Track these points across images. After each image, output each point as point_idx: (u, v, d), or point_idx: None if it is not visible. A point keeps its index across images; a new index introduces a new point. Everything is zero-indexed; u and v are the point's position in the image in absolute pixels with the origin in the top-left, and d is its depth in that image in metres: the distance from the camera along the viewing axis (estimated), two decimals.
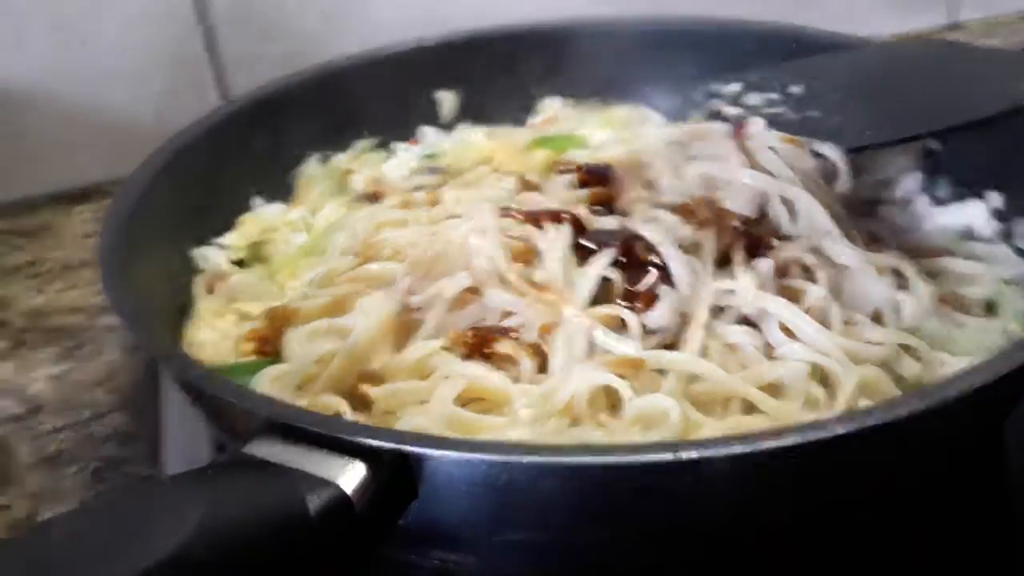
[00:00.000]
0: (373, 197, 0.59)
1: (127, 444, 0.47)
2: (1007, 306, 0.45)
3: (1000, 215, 0.52)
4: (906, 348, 0.41)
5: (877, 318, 0.43)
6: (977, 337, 0.43)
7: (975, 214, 0.52)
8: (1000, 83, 0.51)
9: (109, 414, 0.50)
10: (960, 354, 0.42)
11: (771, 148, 0.47)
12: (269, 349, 0.45)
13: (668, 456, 0.28)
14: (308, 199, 0.60)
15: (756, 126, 0.48)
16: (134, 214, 0.48)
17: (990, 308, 0.46)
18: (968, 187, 0.54)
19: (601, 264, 0.40)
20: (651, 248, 0.40)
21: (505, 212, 0.44)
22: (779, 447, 0.28)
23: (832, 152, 0.48)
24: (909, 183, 0.56)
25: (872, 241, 0.49)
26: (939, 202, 0.55)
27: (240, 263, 0.55)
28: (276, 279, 0.53)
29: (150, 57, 0.71)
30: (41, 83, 0.69)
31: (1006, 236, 0.51)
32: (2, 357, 0.55)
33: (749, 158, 0.47)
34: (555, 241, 0.41)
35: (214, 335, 0.46)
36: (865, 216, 0.54)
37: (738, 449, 0.28)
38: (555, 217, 0.42)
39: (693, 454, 0.28)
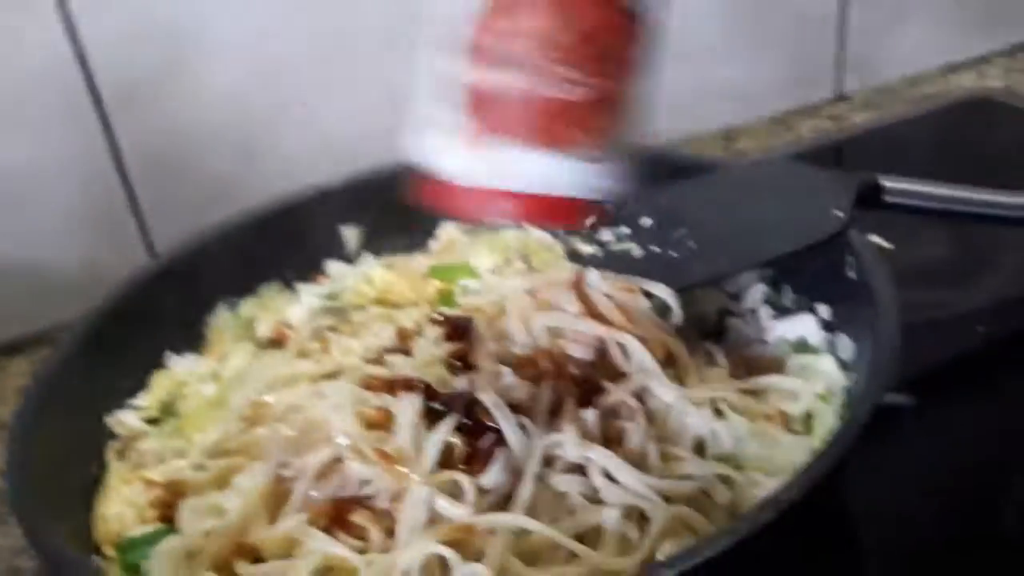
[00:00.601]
0: (277, 342, 0.65)
1: None
2: (818, 422, 0.51)
3: (828, 327, 0.57)
4: (721, 476, 0.46)
5: (700, 446, 0.49)
6: (791, 455, 0.49)
7: (807, 326, 0.58)
8: (821, 210, 0.57)
9: None
10: (775, 473, 0.48)
11: (607, 295, 0.53)
12: (170, 515, 0.51)
13: None
14: (218, 348, 0.66)
15: (592, 276, 0.54)
16: (49, 391, 0.54)
17: (809, 422, 0.52)
18: (805, 297, 0.60)
19: (445, 431, 0.46)
20: (488, 412, 0.46)
21: (366, 382, 0.49)
22: None
23: (662, 292, 0.54)
24: (754, 294, 0.61)
25: (709, 363, 0.55)
26: (782, 311, 0.61)
27: (155, 420, 0.60)
28: (185, 434, 0.58)
29: (73, 212, 0.77)
30: None
31: (832, 349, 0.56)
32: None
33: (588, 306, 0.53)
34: (406, 410, 0.46)
35: (121, 507, 0.52)
36: (716, 329, 0.60)
37: None
38: (407, 385, 0.48)
39: None
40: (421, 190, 0.49)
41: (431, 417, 0.47)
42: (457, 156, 0.46)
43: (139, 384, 0.62)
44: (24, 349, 0.76)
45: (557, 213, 0.46)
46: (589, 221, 0.47)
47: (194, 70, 0.76)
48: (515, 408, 0.47)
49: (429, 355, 0.53)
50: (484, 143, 0.45)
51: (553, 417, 0.48)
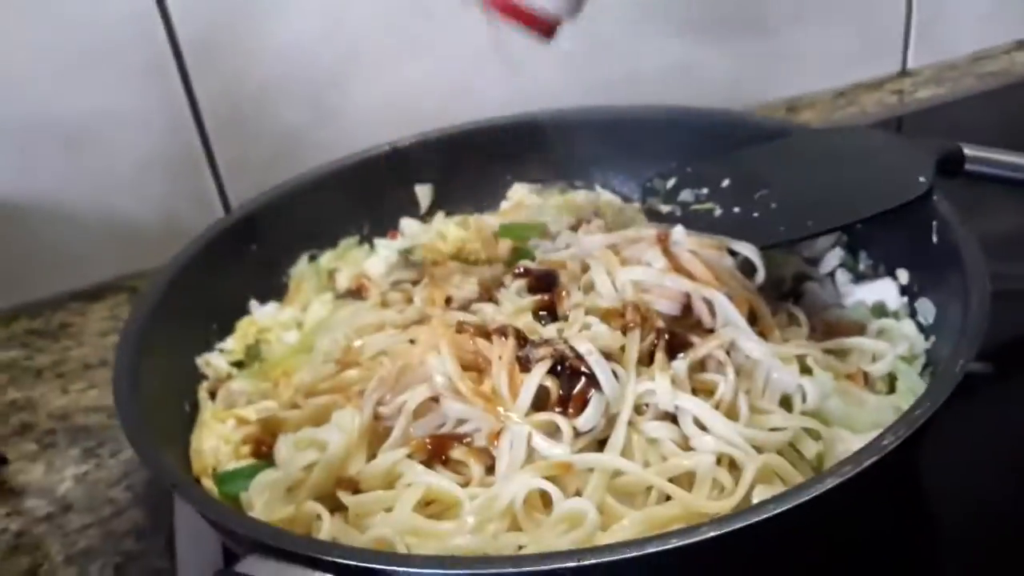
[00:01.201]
0: (357, 293, 0.67)
1: (144, 539, 0.54)
2: (901, 383, 0.51)
3: (908, 292, 0.58)
4: (808, 430, 0.48)
5: (786, 402, 0.50)
6: (875, 414, 0.50)
7: (886, 291, 0.58)
8: (904, 175, 0.57)
9: (128, 511, 0.57)
10: (861, 431, 0.49)
11: (691, 251, 0.54)
12: (264, 450, 0.53)
13: (571, 563, 0.34)
14: (298, 298, 0.67)
15: (678, 233, 0.55)
16: (142, 337, 0.55)
17: (891, 383, 0.53)
18: (883, 263, 0.61)
19: (539, 374, 0.47)
20: (581, 357, 0.47)
21: (459, 327, 0.51)
22: (664, 550, 0.35)
23: (747, 250, 0.55)
24: (831, 260, 0.62)
25: (790, 324, 0.56)
26: (859, 277, 0.61)
27: (240, 364, 0.62)
28: (271, 377, 0.60)
29: (151, 162, 0.78)
30: (49, 192, 0.76)
31: (911, 313, 0.57)
32: (32, 459, 0.62)
33: (673, 262, 0.54)
34: (501, 354, 0.48)
35: (216, 441, 0.54)
36: (792, 293, 0.61)
37: (627, 554, 0.35)
38: (501, 331, 0.49)
39: (591, 560, 0.34)
40: None
41: (522, 364, 0.49)
42: None
43: (225, 329, 0.64)
44: (104, 296, 0.78)
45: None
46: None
47: (269, 25, 0.77)
48: (606, 356, 0.48)
49: (516, 306, 0.54)
50: None
51: (643, 367, 0.49)
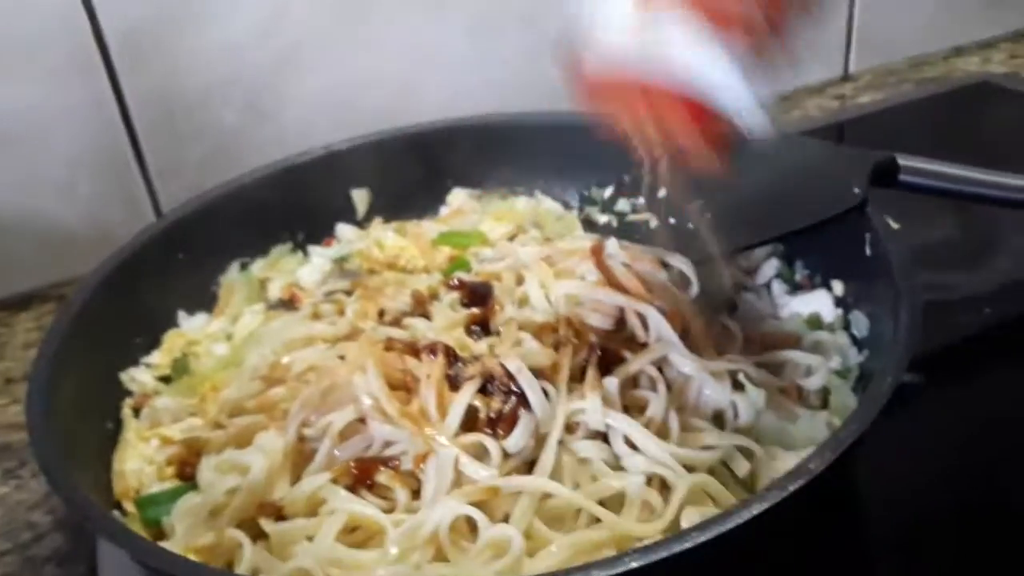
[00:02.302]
0: (289, 303, 0.65)
1: (66, 566, 0.52)
2: (835, 398, 0.51)
3: (842, 304, 0.58)
4: (741, 448, 0.47)
5: (719, 418, 0.49)
6: (808, 430, 0.49)
7: (821, 303, 0.58)
8: (838, 185, 0.57)
9: (49, 535, 0.55)
10: (794, 447, 0.49)
11: (625, 264, 0.53)
12: (189, 471, 0.51)
13: None
14: (229, 308, 0.65)
15: (611, 246, 0.54)
16: (62, 351, 0.53)
17: (826, 397, 0.53)
18: (819, 274, 0.61)
19: (468, 393, 0.46)
20: (512, 376, 0.46)
21: (388, 344, 0.50)
22: None
23: (681, 263, 0.54)
24: (767, 270, 0.62)
25: (724, 337, 0.56)
26: (795, 287, 0.61)
27: (167, 379, 0.60)
28: (198, 392, 0.58)
29: (79, 164, 0.76)
30: None
31: (846, 325, 0.57)
32: None
33: (607, 275, 0.53)
34: (430, 373, 0.47)
35: (139, 462, 0.52)
36: (727, 305, 0.60)
37: None
38: (430, 349, 0.48)
39: None
40: (572, 75, 0.44)
41: (452, 381, 0.48)
42: (621, 20, 0.40)
43: (152, 342, 0.62)
44: (30, 305, 0.76)
45: (692, 124, 0.40)
46: (719, 153, 0.42)
47: (203, 22, 0.75)
48: (537, 374, 0.47)
49: (448, 319, 0.53)
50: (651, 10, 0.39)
51: (575, 384, 0.48)
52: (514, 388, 0.46)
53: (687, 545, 0.36)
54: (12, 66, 0.71)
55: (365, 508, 0.43)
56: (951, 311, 0.65)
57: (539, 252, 0.56)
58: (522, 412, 0.45)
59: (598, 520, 0.44)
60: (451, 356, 0.48)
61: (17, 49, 0.71)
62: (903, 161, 0.60)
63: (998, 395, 0.60)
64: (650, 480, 0.45)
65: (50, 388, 0.51)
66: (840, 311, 0.58)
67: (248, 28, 0.76)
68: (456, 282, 0.57)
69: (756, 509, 0.37)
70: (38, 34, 0.71)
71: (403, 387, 0.48)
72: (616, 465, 0.46)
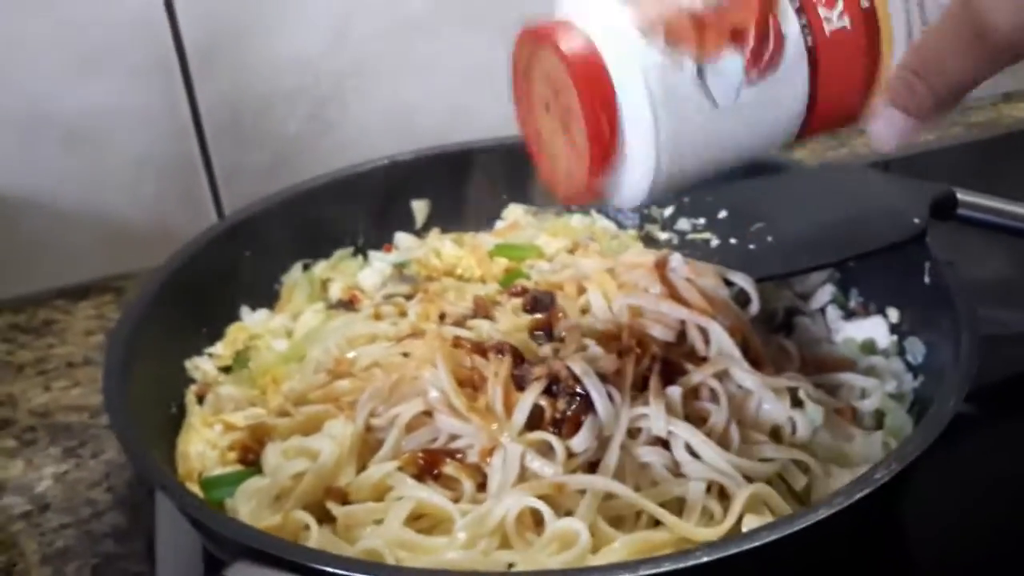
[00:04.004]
0: (349, 304, 0.67)
1: (123, 542, 0.54)
2: (890, 420, 0.52)
3: (897, 330, 0.59)
4: (797, 462, 0.48)
5: (776, 433, 0.50)
6: (863, 450, 0.50)
7: (876, 329, 0.59)
8: (899, 215, 0.58)
9: (108, 512, 0.56)
10: (848, 465, 0.49)
11: (688, 280, 0.54)
12: (251, 458, 0.52)
13: None
14: (290, 306, 0.67)
15: (675, 260, 0.55)
16: (133, 337, 0.55)
17: (878, 420, 0.53)
18: (874, 301, 0.61)
19: (534, 393, 0.47)
20: (577, 378, 0.47)
21: (456, 342, 0.51)
22: (657, 573, 0.35)
23: (743, 281, 0.55)
24: (822, 295, 0.63)
25: (781, 356, 0.56)
26: (849, 314, 0.62)
27: (228, 369, 0.62)
28: (259, 384, 0.60)
29: (147, 163, 0.78)
30: (42, 186, 0.75)
31: (900, 351, 0.57)
32: (11, 455, 0.62)
33: (670, 289, 0.54)
34: (497, 371, 0.48)
35: (202, 446, 0.53)
36: (783, 327, 0.61)
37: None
38: (498, 349, 0.49)
39: None
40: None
41: (518, 382, 0.49)
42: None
43: (215, 334, 0.63)
44: (89, 294, 0.78)
45: (586, 90, 0.36)
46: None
47: (274, 35, 0.78)
48: (602, 378, 0.48)
49: (512, 323, 0.55)
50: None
51: (638, 391, 0.49)
52: (579, 390, 0.47)
53: (755, 544, 0.36)
54: (92, 66, 0.73)
55: (432, 496, 0.44)
56: (1002, 347, 0.65)
57: (602, 264, 0.57)
58: (588, 414, 0.46)
59: (658, 523, 0.44)
60: (517, 357, 0.49)
61: (97, 50, 0.73)
62: (961, 195, 0.61)
63: None
64: (709, 488, 0.46)
65: (123, 369, 0.53)
66: (895, 338, 0.58)
67: (315, 42, 0.79)
68: (518, 288, 0.58)
69: (823, 513, 0.38)
70: (119, 36, 0.73)
71: (470, 384, 0.49)
72: (677, 472, 0.47)
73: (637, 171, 0.37)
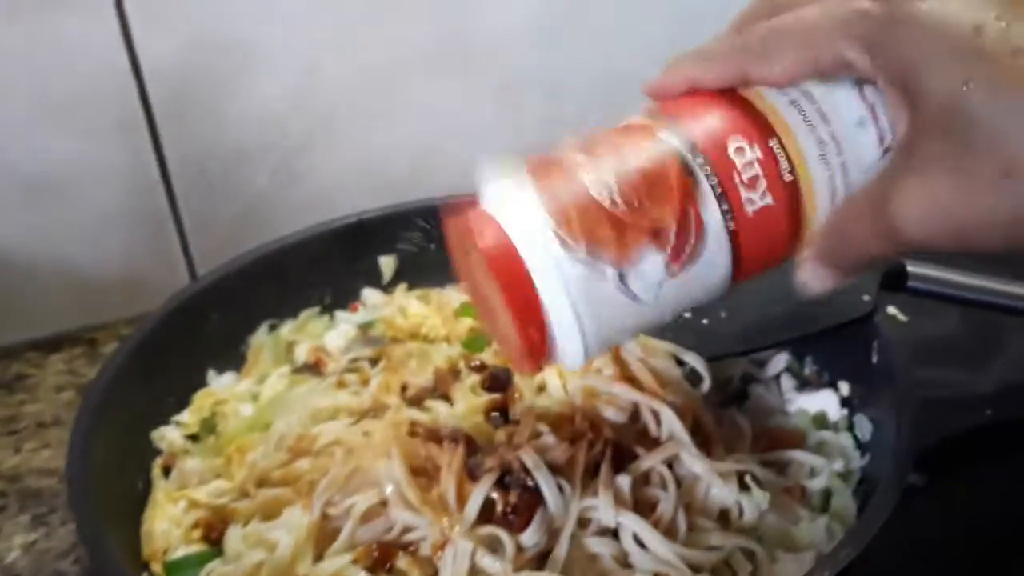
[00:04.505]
0: (314, 367, 0.68)
1: None
2: (836, 501, 0.54)
3: (848, 404, 0.60)
4: (743, 549, 0.49)
5: (724, 516, 0.52)
6: (809, 534, 0.52)
7: (828, 402, 0.61)
8: (849, 292, 0.60)
9: None
10: (794, 550, 0.51)
11: (641, 359, 0.55)
12: (215, 536, 0.53)
13: None
14: (256, 368, 0.68)
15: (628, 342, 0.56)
16: (99, 412, 0.56)
17: (826, 499, 0.55)
18: (827, 371, 0.63)
19: (486, 486, 0.48)
20: (529, 471, 0.48)
21: (411, 431, 0.52)
22: None
23: (694, 360, 0.57)
24: (777, 363, 0.64)
25: (733, 432, 0.58)
26: (803, 383, 0.64)
27: (195, 437, 0.63)
28: (225, 453, 0.61)
29: (115, 216, 0.79)
30: (9, 239, 0.76)
31: (850, 426, 0.59)
32: None
33: (622, 368, 0.55)
34: (450, 462, 0.49)
35: (167, 524, 0.54)
36: (738, 396, 0.63)
37: None
38: (452, 438, 0.51)
39: None
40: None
41: (471, 471, 0.50)
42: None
43: (183, 402, 0.64)
44: (61, 347, 0.79)
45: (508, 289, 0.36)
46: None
47: (242, 88, 0.78)
48: (553, 469, 0.49)
49: (469, 405, 0.56)
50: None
51: (590, 478, 0.50)
52: (530, 483, 0.48)
53: None
54: (57, 120, 0.74)
55: None
56: (954, 408, 0.67)
57: None
58: (538, 508, 0.48)
59: None
60: (471, 446, 0.51)
61: (63, 104, 0.74)
62: (912, 268, 0.62)
63: (1001, 493, 0.61)
64: None
65: (87, 448, 0.54)
66: (845, 411, 0.60)
67: (282, 95, 0.79)
68: (478, 363, 0.60)
69: None
70: (85, 91, 0.74)
71: (424, 474, 0.50)
72: (625, 562, 0.48)
73: (570, 352, 0.37)
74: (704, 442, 0.55)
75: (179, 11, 0.74)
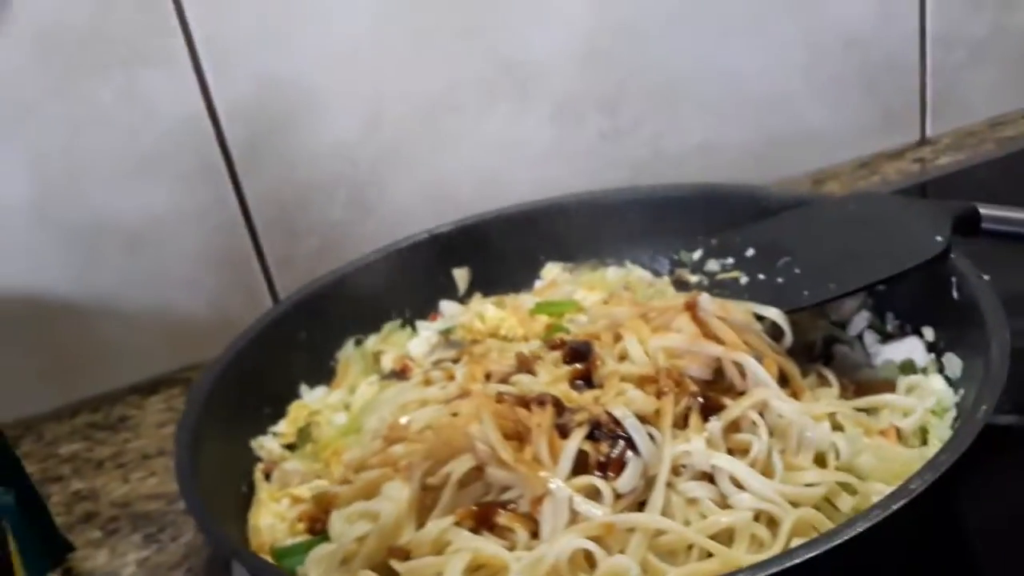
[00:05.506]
0: (401, 373, 0.69)
1: None
2: (933, 435, 0.53)
3: (934, 348, 0.59)
4: (843, 484, 0.49)
5: (820, 459, 0.51)
6: (908, 466, 0.50)
7: (913, 349, 0.60)
8: (922, 236, 0.60)
9: None
10: (894, 482, 0.50)
11: (719, 318, 0.56)
12: (319, 527, 0.55)
13: None
14: (346, 380, 0.70)
15: (705, 300, 0.57)
16: (199, 424, 0.58)
17: (924, 437, 0.54)
18: (909, 322, 0.62)
19: (577, 439, 0.49)
20: (618, 422, 0.49)
21: (499, 397, 0.53)
22: None
23: (773, 315, 0.57)
24: (858, 322, 0.64)
25: (821, 385, 0.58)
26: (886, 337, 0.63)
27: (292, 446, 0.65)
28: (322, 457, 0.63)
29: (204, 260, 0.83)
30: (108, 290, 0.80)
31: (940, 368, 0.58)
32: (97, 545, 0.65)
33: (702, 328, 0.56)
34: (540, 422, 0.50)
35: (272, 519, 0.56)
36: (822, 356, 0.63)
37: None
38: (539, 400, 0.52)
39: None
40: None
41: (561, 430, 0.51)
42: None
43: (278, 413, 0.67)
44: (159, 389, 0.82)
45: None
46: None
47: (310, 127, 0.82)
48: (642, 420, 0.50)
49: (552, 375, 0.57)
50: None
51: (679, 429, 0.51)
52: (621, 433, 0.49)
53: (797, 560, 0.37)
54: (143, 174, 0.79)
55: (488, 546, 0.46)
56: None
57: (634, 310, 0.59)
58: (630, 455, 0.48)
59: (709, 555, 0.46)
60: (559, 406, 0.51)
61: (147, 158, 0.78)
62: (984, 210, 0.62)
63: None
64: (757, 516, 0.47)
65: (192, 455, 0.56)
66: (932, 356, 0.59)
67: (349, 130, 0.83)
68: (557, 341, 0.61)
69: (861, 526, 0.39)
70: (168, 142, 0.79)
71: (516, 437, 0.51)
72: (723, 504, 0.48)
73: None
74: (792, 393, 0.55)
75: (249, 57, 0.79)
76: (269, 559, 0.53)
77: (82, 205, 0.77)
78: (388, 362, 0.71)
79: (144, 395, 0.82)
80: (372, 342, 0.72)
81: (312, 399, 0.68)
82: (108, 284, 0.80)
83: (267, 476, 0.61)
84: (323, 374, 0.71)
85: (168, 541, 0.64)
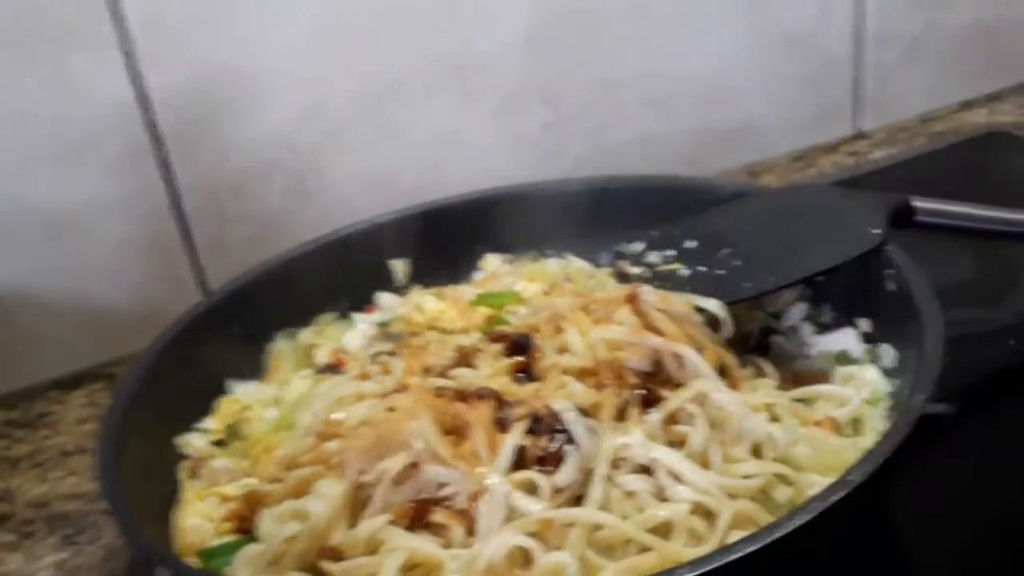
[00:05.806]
0: (335, 367, 0.68)
1: None
2: (867, 425, 0.53)
3: (870, 339, 0.60)
4: (780, 476, 0.49)
5: (757, 450, 0.51)
6: (843, 456, 0.51)
7: (848, 340, 0.60)
8: (858, 228, 0.60)
9: None
10: (829, 473, 0.50)
11: (660, 309, 0.55)
12: (247, 526, 0.53)
13: None
14: (278, 375, 0.68)
15: (646, 292, 0.57)
16: (125, 415, 0.56)
17: (857, 427, 0.54)
18: (845, 313, 0.63)
19: (516, 433, 0.48)
20: (557, 415, 0.48)
21: (438, 392, 0.52)
22: None
23: (713, 306, 0.57)
24: (795, 313, 0.64)
25: (758, 375, 0.58)
26: (823, 327, 0.63)
27: (220, 443, 0.63)
28: (252, 455, 0.61)
29: (129, 248, 0.80)
30: (26, 281, 0.77)
31: (874, 359, 0.59)
32: (11, 549, 0.62)
33: (643, 320, 0.55)
34: (479, 417, 0.49)
35: (198, 519, 0.54)
36: (759, 347, 0.63)
37: None
38: (479, 395, 0.50)
39: None
40: None
41: (501, 424, 0.50)
42: None
43: (205, 409, 0.64)
44: (81, 383, 0.79)
45: None
46: None
47: (249, 113, 0.80)
48: (582, 413, 0.49)
49: (492, 368, 0.56)
50: None
51: (617, 424, 0.50)
52: (560, 427, 0.48)
53: (736, 555, 0.37)
54: (69, 160, 0.76)
55: (424, 544, 0.45)
56: (979, 344, 0.66)
57: (576, 302, 0.59)
58: (568, 448, 0.47)
59: (647, 549, 0.45)
60: (498, 400, 0.50)
61: (74, 144, 0.75)
62: (918, 203, 0.62)
63: None
64: (694, 509, 0.46)
65: (116, 452, 0.54)
66: (868, 346, 0.60)
67: (288, 116, 0.81)
68: (497, 334, 0.60)
69: (801, 519, 0.38)
70: (95, 129, 0.76)
71: (455, 432, 0.50)
72: (662, 496, 0.47)
73: None
74: (731, 384, 0.54)
75: (188, 43, 0.76)
76: (195, 560, 0.51)
77: None
78: (322, 356, 0.69)
79: (66, 390, 0.79)
80: (306, 335, 0.70)
81: (242, 394, 0.66)
82: (24, 274, 0.77)
83: (194, 474, 0.59)
84: (254, 368, 0.68)
85: (87, 543, 0.62)
